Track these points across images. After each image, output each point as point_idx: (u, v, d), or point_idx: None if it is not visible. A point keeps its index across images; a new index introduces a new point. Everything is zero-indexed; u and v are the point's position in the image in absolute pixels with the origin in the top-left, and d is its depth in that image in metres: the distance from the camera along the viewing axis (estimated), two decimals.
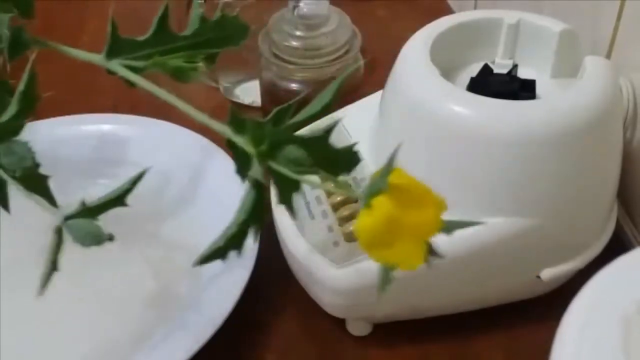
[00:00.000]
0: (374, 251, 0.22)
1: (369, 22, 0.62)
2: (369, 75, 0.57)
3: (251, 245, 0.39)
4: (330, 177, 0.23)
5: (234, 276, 0.38)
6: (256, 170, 0.23)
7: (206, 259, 0.24)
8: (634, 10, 0.40)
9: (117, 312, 0.40)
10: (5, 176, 0.27)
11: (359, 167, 0.38)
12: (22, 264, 0.42)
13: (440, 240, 0.34)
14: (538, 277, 0.36)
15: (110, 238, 0.26)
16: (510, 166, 0.34)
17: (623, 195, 0.41)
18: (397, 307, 0.37)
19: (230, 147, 0.24)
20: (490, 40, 0.40)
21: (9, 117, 0.28)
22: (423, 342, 0.39)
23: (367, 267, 0.35)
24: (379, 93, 0.41)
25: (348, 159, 0.23)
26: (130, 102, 0.54)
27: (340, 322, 0.39)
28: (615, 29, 0.41)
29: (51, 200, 0.28)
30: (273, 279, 0.41)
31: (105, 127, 0.50)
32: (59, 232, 0.27)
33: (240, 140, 0.24)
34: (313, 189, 0.39)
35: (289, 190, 0.24)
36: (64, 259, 0.39)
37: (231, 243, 0.24)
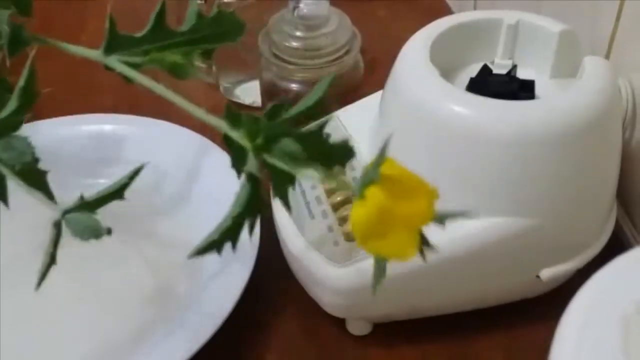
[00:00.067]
0: (367, 242, 0.22)
1: (369, 23, 0.62)
2: (369, 75, 0.57)
3: (249, 241, 0.39)
4: (325, 171, 0.23)
5: (234, 276, 0.38)
6: (252, 164, 0.24)
7: (201, 251, 0.24)
8: (633, 10, 0.40)
9: (117, 311, 0.40)
10: (5, 171, 0.27)
11: (359, 168, 0.38)
12: (21, 262, 0.42)
13: (440, 240, 0.34)
14: (537, 276, 0.37)
15: (109, 232, 0.27)
16: (509, 166, 0.34)
17: (622, 195, 0.41)
18: (397, 307, 0.37)
19: (226, 142, 0.24)
20: (489, 40, 0.40)
21: (9, 113, 0.28)
22: (423, 341, 0.39)
23: (367, 267, 0.34)
24: (379, 93, 0.41)
25: (342, 152, 0.24)
26: (130, 102, 0.54)
27: (340, 322, 0.39)
28: (614, 29, 0.41)
29: (50, 195, 0.28)
30: (273, 279, 0.41)
31: (106, 127, 0.50)
32: (57, 226, 0.27)
33: (236, 135, 0.24)
34: (313, 189, 0.39)
35: (284, 183, 0.24)
36: (62, 259, 0.40)
37: (226, 236, 0.24)
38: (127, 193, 0.48)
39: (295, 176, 0.23)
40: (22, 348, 0.38)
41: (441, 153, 0.35)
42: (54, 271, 0.42)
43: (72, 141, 0.49)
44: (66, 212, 0.27)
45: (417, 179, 0.22)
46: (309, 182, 0.40)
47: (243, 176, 0.24)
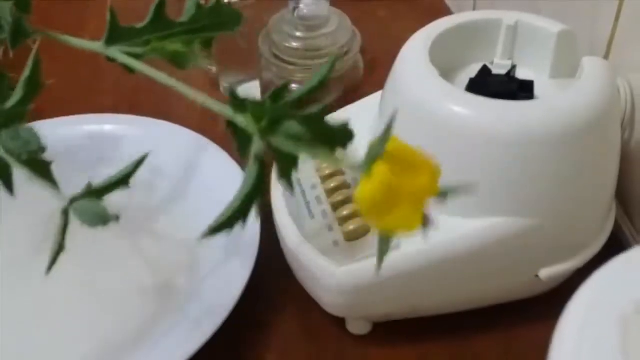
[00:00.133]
0: (374, 218, 0.22)
1: (369, 23, 0.62)
2: (369, 75, 0.57)
3: (249, 240, 0.40)
4: (327, 152, 0.24)
5: (234, 275, 0.38)
6: (257, 146, 0.24)
7: (213, 231, 0.25)
8: (632, 10, 0.40)
9: (117, 311, 0.40)
10: (10, 160, 0.28)
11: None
12: (20, 262, 0.42)
13: (440, 240, 0.35)
14: (537, 276, 0.37)
15: (117, 218, 0.27)
16: (508, 166, 0.34)
17: (621, 195, 0.41)
18: (397, 307, 0.38)
19: (230, 128, 0.25)
20: (489, 41, 0.40)
21: (14, 103, 0.29)
22: (422, 341, 0.39)
23: (367, 267, 0.35)
24: (379, 93, 0.41)
25: (343, 135, 0.24)
26: (130, 102, 0.54)
27: (340, 321, 0.39)
28: (613, 29, 0.41)
29: (55, 184, 0.28)
30: (273, 279, 0.41)
31: (106, 127, 0.50)
32: (65, 214, 0.28)
33: (241, 119, 0.24)
34: (313, 189, 0.39)
35: (288, 165, 0.25)
36: (62, 258, 0.39)
37: (236, 216, 0.25)
38: (127, 193, 0.48)
39: (298, 157, 0.24)
40: (22, 347, 0.38)
41: (441, 153, 0.35)
42: (52, 270, 0.42)
43: (72, 141, 0.49)
44: (73, 200, 0.28)
45: (421, 155, 0.23)
46: (309, 182, 0.40)
47: (249, 158, 0.25)
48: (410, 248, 0.35)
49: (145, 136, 0.49)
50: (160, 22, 0.30)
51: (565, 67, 0.38)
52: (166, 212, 0.46)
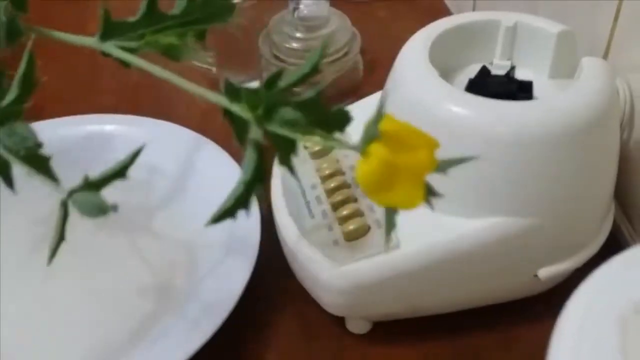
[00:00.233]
0: (375, 195, 0.23)
1: (369, 23, 0.63)
2: (369, 76, 0.57)
3: (249, 240, 0.40)
4: (325, 136, 0.25)
5: (234, 275, 0.39)
6: (254, 133, 0.25)
7: (218, 218, 0.26)
8: (631, 10, 0.40)
9: (116, 310, 0.40)
10: (9, 157, 0.28)
11: None
12: (19, 262, 0.42)
13: (440, 240, 0.35)
14: (536, 276, 0.37)
15: (114, 208, 0.27)
16: (507, 166, 0.34)
17: (620, 195, 0.41)
18: (397, 306, 0.38)
19: (227, 117, 0.25)
20: (488, 41, 0.40)
21: (10, 101, 0.29)
22: (422, 340, 0.39)
23: (367, 267, 0.35)
24: (378, 93, 0.41)
25: (339, 118, 0.25)
26: (131, 102, 0.54)
27: (340, 321, 0.39)
28: (612, 29, 0.41)
29: (54, 178, 0.29)
30: (273, 278, 0.41)
31: (106, 127, 0.50)
32: (64, 206, 0.28)
33: (237, 108, 0.25)
34: (313, 188, 0.39)
35: (287, 150, 0.25)
36: (60, 259, 0.39)
37: (239, 202, 0.25)
38: (127, 193, 0.48)
39: (296, 142, 0.25)
40: (21, 347, 0.38)
41: (440, 153, 0.35)
42: (51, 270, 0.42)
43: (73, 141, 0.49)
44: (72, 192, 0.28)
45: (417, 130, 0.24)
46: (309, 182, 0.40)
47: (248, 145, 0.25)
48: (410, 248, 0.35)
49: (145, 136, 0.49)
50: (153, 16, 0.30)
51: (564, 68, 0.38)
52: (166, 212, 0.46)
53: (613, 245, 0.38)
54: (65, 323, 0.40)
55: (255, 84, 0.57)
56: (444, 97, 0.35)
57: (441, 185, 0.36)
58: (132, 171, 0.47)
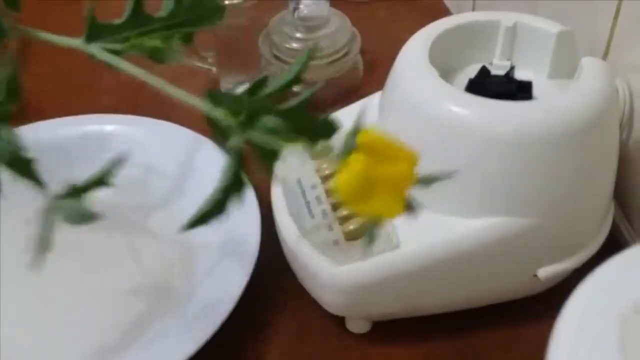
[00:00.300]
0: (355, 205, 0.23)
1: (369, 23, 0.63)
2: (369, 76, 0.57)
3: (249, 240, 0.40)
4: (310, 145, 0.24)
5: (234, 275, 0.39)
6: (235, 140, 0.24)
7: (193, 224, 0.25)
8: (630, 11, 0.40)
9: (115, 310, 0.40)
10: None
11: None
12: (18, 262, 0.42)
13: (440, 240, 0.35)
14: (535, 275, 0.37)
15: (97, 217, 0.27)
16: (507, 166, 0.34)
17: (619, 195, 0.41)
18: (397, 306, 0.38)
19: (209, 122, 0.25)
20: (488, 41, 0.40)
21: None
22: (422, 339, 0.39)
23: (367, 267, 0.35)
24: (378, 93, 0.41)
25: (326, 126, 0.25)
26: (131, 102, 0.54)
27: (340, 320, 0.39)
28: (612, 30, 0.41)
29: (39, 183, 0.28)
30: (273, 278, 0.41)
31: (106, 127, 0.50)
32: (48, 213, 0.27)
33: (219, 113, 0.25)
34: (313, 188, 0.39)
35: (269, 159, 0.25)
36: (59, 259, 0.39)
37: (215, 209, 0.25)
38: (127, 193, 0.49)
39: (278, 151, 0.24)
40: (19, 347, 0.38)
41: (440, 153, 0.35)
42: (51, 271, 0.42)
43: (73, 141, 0.49)
44: (56, 198, 0.28)
45: (397, 144, 0.24)
46: (309, 182, 0.40)
47: (227, 152, 0.25)
48: (410, 248, 0.35)
49: (145, 136, 0.49)
50: (139, 18, 0.30)
51: (564, 68, 0.38)
52: (165, 212, 0.46)
53: (613, 245, 0.38)
54: (65, 323, 0.40)
55: None
56: (444, 97, 0.35)
57: (441, 185, 0.36)
58: (132, 171, 0.47)
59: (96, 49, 0.29)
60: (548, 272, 0.37)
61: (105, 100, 0.56)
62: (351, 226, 0.36)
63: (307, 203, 0.39)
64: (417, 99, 0.36)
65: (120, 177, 0.51)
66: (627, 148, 0.41)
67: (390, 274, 0.35)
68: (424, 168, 0.37)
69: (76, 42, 0.30)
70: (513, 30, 0.39)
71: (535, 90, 0.38)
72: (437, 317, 0.39)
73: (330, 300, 0.37)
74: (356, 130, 0.23)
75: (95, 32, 0.30)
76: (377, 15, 0.67)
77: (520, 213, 0.35)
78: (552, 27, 0.38)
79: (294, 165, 0.40)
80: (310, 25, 0.51)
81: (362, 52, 0.56)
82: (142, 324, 0.39)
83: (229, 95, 0.25)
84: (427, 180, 0.24)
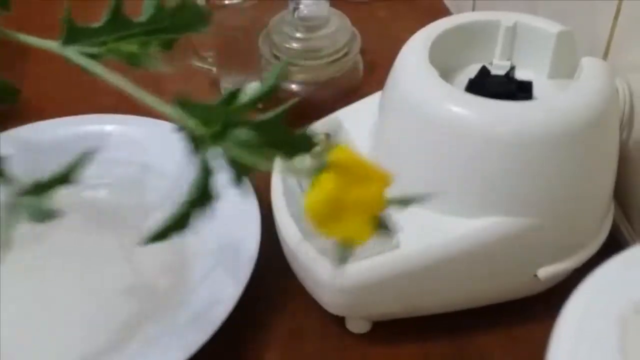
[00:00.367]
0: (323, 227, 0.22)
1: (369, 23, 0.63)
2: (369, 76, 0.57)
3: (249, 240, 0.40)
4: (286, 160, 0.23)
5: (234, 275, 0.39)
6: (206, 153, 0.23)
7: (152, 239, 0.24)
8: (630, 11, 0.40)
9: (115, 310, 0.40)
10: None
11: None
12: (20, 262, 0.42)
13: (440, 240, 0.35)
14: (535, 275, 0.37)
15: (59, 214, 0.27)
16: (507, 166, 0.34)
17: (619, 195, 0.41)
18: (397, 306, 0.38)
19: (181, 131, 0.24)
20: (488, 41, 0.40)
21: None
22: (422, 339, 0.39)
23: (367, 267, 0.35)
24: (378, 93, 0.41)
25: (304, 141, 0.23)
26: (131, 102, 0.54)
27: (340, 320, 0.39)
28: (612, 30, 0.41)
29: (7, 179, 0.28)
30: (273, 278, 0.41)
31: (106, 127, 0.50)
32: (11, 209, 0.27)
33: (191, 123, 0.24)
34: None
35: (241, 172, 0.24)
36: (57, 259, 0.39)
37: (178, 224, 0.24)
38: (127, 193, 0.48)
39: (250, 166, 0.23)
40: (18, 348, 0.38)
41: (440, 153, 0.35)
42: (51, 271, 0.42)
43: (73, 141, 0.49)
44: (20, 195, 0.27)
45: (370, 165, 0.23)
46: (310, 182, 0.40)
47: (197, 164, 0.24)
48: (410, 248, 0.35)
49: (145, 136, 0.49)
50: (118, 22, 0.29)
51: (564, 68, 0.38)
52: (165, 212, 0.46)
53: (613, 245, 0.38)
54: (65, 323, 0.40)
55: (255, 84, 0.57)
56: (444, 97, 0.35)
57: (442, 185, 0.36)
58: (131, 171, 0.47)
59: (72, 53, 0.29)
60: (548, 272, 0.37)
61: (105, 100, 0.56)
62: None
63: None
64: (417, 99, 0.36)
65: (120, 177, 0.51)
66: (627, 148, 0.41)
67: (390, 274, 0.35)
68: (423, 168, 0.37)
69: (53, 45, 0.29)
70: (513, 30, 0.39)
71: (535, 90, 0.38)
72: (437, 317, 0.39)
73: (330, 300, 0.37)
74: (325, 150, 0.22)
75: (72, 35, 0.29)
76: (377, 15, 0.67)
77: (520, 213, 0.35)
78: (552, 27, 0.38)
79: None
80: (310, 25, 0.51)
81: (362, 52, 0.56)
82: (141, 324, 0.39)
83: (202, 105, 0.23)
84: (402, 202, 0.23)
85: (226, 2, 0.52)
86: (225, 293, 0.38)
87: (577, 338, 0.23)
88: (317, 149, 0.22)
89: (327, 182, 0.22)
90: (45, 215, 0.26)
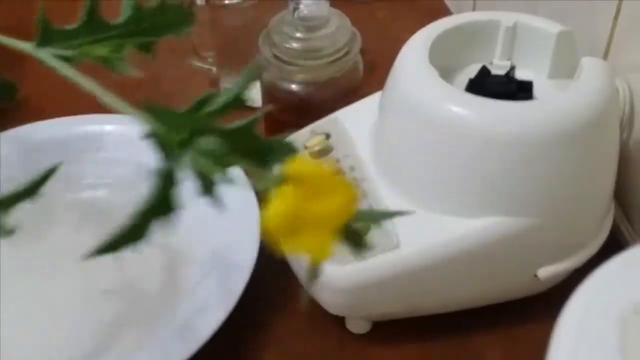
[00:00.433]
0: (282, 242, 0.21)
1: (369, 23, 0.63)
2: (369, 76, 0.57)
3: (249, 240, 0.40)
4: (257, 168, 0.22)
5: (234, 275, 0.39)
6: (172, 161, 0.22)
7: (102, 250, 0.23)
8: (630, 11, 0.40)
9: (114, 310, 0.40)
10: None
11: (359, 167, 0.39)
12: (20, 262, 0.42)
13: (440, 240, 0.35)
14: (535, 275, 0.37)
15: (12, 231, 0.26)
16: (507, 166, 0.34)
17: (620, 195, 0.41)
18: (397, 306, 0.38)
19: (148, 137, 0.23)
20: (488, 41, 0.40)
21: None
22: (422, 339, 0.39)
23: (367, 267, 0.35)
24: (378, 93, 0.41)
25: (280, 149, 0.22)
26: (131, 102, 0.54)
27: (340, 320, 0.39)
28: (612, 30, 0.41)
29: None
30: (273, 278, 0.41)
31: (106, 127, 0.50)
32: None
33: (158, 129, 0.23)
34: None
35: (209, 181, 0.23)
36: (56, 260, 0.39)
37: (130, 235, 0.23)
38: (126, 194, 0.48)
39: (216, 175, 0.22)
40: (17, 348, 0.38)
41: (440, 153, 0.35)
42: (51, 271, 0.42)
43: (73, 141, 0.49)
44: None
45: (334, 177, 0.21)
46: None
47: (158, 172, 0.23)
48: (410, 248, 0.35)
49: None
50: (94, 24, 0.28)
51: (564, 68, 0.38)
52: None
53: (613, 245, 0.38)
54: (65, 323, 0.40)
55: (255, 85, 0.57)
56: (444, 97, 0.35)
57: (442, 185, 0.36)
58: (131, 172, 0.47)
59: (46, 55, 0.28)
60: (548, 272, 0.37)
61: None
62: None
63: None
64: (417, 99, 0.36)
65: (120, 177, 0.51)
66: (627, 148, 0.41)
67: (390, 274, 0.35)
68: (423, 168, 0.37)
69: (27, 47, 0.29)
70: (513, 30, 0.39)
71: (536, 90, 0.38)
72: (438, 317, 0.39)
73: (330, 300, 0.37)
74: (289, 160, 0.21)
75: (47, 37, 0.28)
76: (377, 15, 0.67)
77: (520, 213, 0.35)
78: (552, 27, 0.38)
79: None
80: (310, 25, 0.51)
81: (362, 52, 0.56)
82: (142, 324, 0.39)
83: (170, 111, 0.22)
84: (371, 218, 0.22)
85: (226, 2, 0.52)
86: (225, 293, 0.38)
87: (577, 338, 0.23)
88: (287, 159, 0.21)
89: (286, 196, 0.20)
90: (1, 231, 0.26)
